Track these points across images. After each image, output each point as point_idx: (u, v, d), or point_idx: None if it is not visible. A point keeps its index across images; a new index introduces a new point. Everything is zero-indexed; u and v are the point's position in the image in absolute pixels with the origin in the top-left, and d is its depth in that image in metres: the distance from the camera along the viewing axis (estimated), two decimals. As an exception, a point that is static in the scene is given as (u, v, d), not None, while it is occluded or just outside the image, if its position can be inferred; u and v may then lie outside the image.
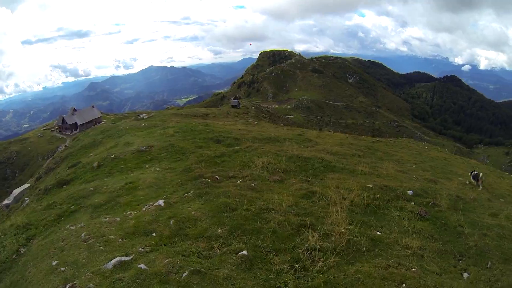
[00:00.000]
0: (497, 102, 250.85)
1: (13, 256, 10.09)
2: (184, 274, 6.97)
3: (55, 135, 78.48)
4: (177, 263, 7.39)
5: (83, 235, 9.53)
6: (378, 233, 9.40)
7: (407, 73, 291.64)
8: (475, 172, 18.64)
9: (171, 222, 9.57)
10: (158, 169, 17.32)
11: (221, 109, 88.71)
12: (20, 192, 37.38)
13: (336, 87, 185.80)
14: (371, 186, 13.19)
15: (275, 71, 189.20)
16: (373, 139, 38.57)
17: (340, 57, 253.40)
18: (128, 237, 9.09)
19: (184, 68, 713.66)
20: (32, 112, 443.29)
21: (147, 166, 18.60)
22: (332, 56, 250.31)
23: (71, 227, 10.58)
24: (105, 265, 7.55)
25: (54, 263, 8.20)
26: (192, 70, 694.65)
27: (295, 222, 9.41)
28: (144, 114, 59.59)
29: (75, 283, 7.07)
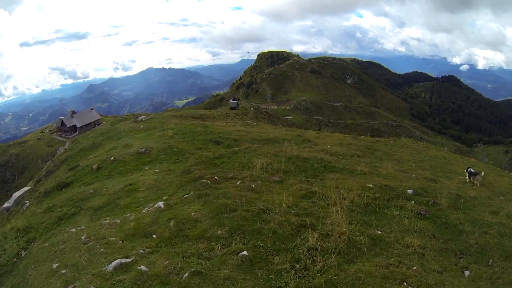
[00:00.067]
0: (496, 101, 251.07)
1: (14, 259, 10.08)
2: (185, 275, 6.96)
3: (54, 137, 78.45)
4: (178, 264, 7.38)
5: (83, 237, 9.51)
6: (379, 232, 9.41)
7: (406, 73, 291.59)
8: (471, 169, 18.81)
9: (171, 223, 9.56)
10: (157, 171, 17.31)
11: (220, 111, 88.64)
12: (20, 195, 37.24)
13: (334, 87, 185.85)
14: (371, 185, 13.20)
15: (274, 72, 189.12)
16: (372, 139, 38.58)
17: (338, 58, 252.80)
18: (128, 239, 9.09)
19: (182, 69, 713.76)
20: (31, 114, 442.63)
21: (146, 168, 18.58)
22: (330, 57, 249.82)
23: (71, 230, 10.57)
24: (105, 267, 7.54)
25: (54, 265, 8.19)
26: (190, 71, 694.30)
27: (295, 222, 9.40)
28: (143, 116, 59.57)
29: (76, 286, 7.07)
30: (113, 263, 7.61)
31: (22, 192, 38.81)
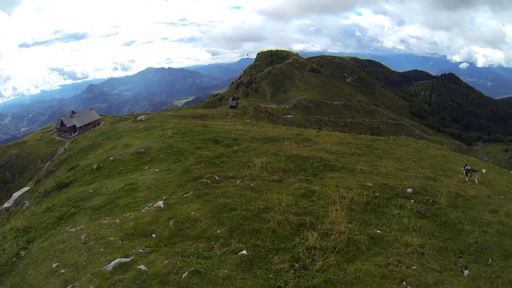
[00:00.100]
0: (495, 99, 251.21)
1: (14, 259, 10.07)
2: (184, 275, 6.95)
3: (54, 138, 78.31)
4: (177, 263, 7.38)
5: (83, 237, 9.51)
6: (378, 231, 9.40)
7: (405, 72, 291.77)
8: (468, 166, 18.92)
9: (170, 223, 9.56)
10: (157, 170, 17.31)
11: (219, 110, 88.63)
12: (20, 196, 37.27)
13: (334, 86, 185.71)
14: (370, 184, 13.19)
15: (273, 71, 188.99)
16: (372, 138, 38.58)
17: (338, 57, 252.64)
18: (127, 238, 9.09)
19: (182, 69, 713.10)
20: (30, 115, 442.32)
21: (146, 167, 18.58)
22: (329, 56, 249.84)
23: (71, 230, 10.56)
24: (105, 267, 7.53)
25: (54, 265, 8.19)
26: (190, 71, 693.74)
27: (295, 221, 9.40)
28: (143, 116, 59.56)
29: (75, 285, 7.06)
30: (113, 263, 7.61)
31: (21, 192, 38.84)
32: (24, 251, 10.46)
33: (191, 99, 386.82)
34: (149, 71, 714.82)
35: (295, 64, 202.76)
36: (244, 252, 7.80)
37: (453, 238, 9.38)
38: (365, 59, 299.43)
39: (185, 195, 12.13)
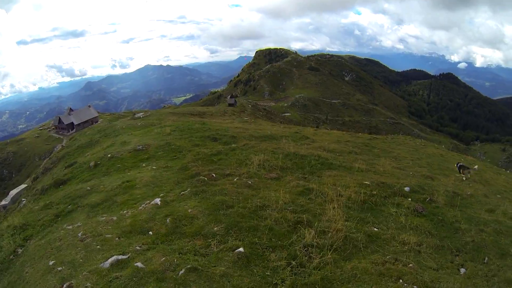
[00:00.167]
0: (493, 99, 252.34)
1: (10, 257, 10.03)
2: (181, 272, 6.95)
3: (51, 135, 78.23)
4: (174, 261, 7.38)
5: (80, 234, 9.49)
6: (375, 229, 9.41)
7: (404, 71, 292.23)
8: (461, 163, 19.05)
9: (167, 220, 9.55)
10: (155, 167, 17.29)
11: (217, 108, 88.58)
12: (17, 193, 37.16)
13: (332, 85, 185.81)
14: (368, 183, 13.20)
15: (272, 69, 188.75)
16: (370, 136, 38.64)
17: (337, 55, 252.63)
18: (125, 235, 9.07)
19: (180, 67, 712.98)
20: (28, 112, 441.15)
21: (144, 165, 18.56)
22: (328, 54, 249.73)
23: (68, 227, 10.54)
24: (102, 264, 7.52)
25: (51, 263, 8.16)
26: (188, 69, 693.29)
27: (292, 219, 9.40)
28: (141, 113, 59.51)
29: (72, 283, 7.04)
30: (110, 260, 7.59)
31: (19, 189, 38.75)
32: (21, 248, 10.42)
33: (189, 96, 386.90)
34: (147, 68, 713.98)
35: (293, 62, 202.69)
36: (241, 249, 7.80)
37: (450, 236, 9.40)
38: (364, 58, 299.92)
39: (183, 192, 12.12)
